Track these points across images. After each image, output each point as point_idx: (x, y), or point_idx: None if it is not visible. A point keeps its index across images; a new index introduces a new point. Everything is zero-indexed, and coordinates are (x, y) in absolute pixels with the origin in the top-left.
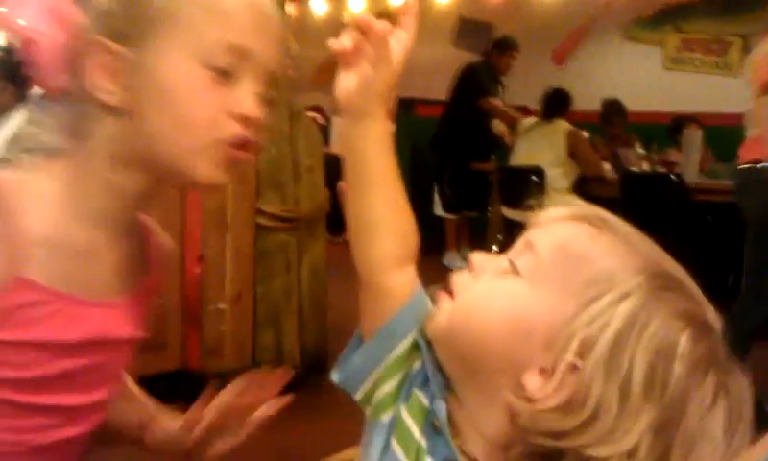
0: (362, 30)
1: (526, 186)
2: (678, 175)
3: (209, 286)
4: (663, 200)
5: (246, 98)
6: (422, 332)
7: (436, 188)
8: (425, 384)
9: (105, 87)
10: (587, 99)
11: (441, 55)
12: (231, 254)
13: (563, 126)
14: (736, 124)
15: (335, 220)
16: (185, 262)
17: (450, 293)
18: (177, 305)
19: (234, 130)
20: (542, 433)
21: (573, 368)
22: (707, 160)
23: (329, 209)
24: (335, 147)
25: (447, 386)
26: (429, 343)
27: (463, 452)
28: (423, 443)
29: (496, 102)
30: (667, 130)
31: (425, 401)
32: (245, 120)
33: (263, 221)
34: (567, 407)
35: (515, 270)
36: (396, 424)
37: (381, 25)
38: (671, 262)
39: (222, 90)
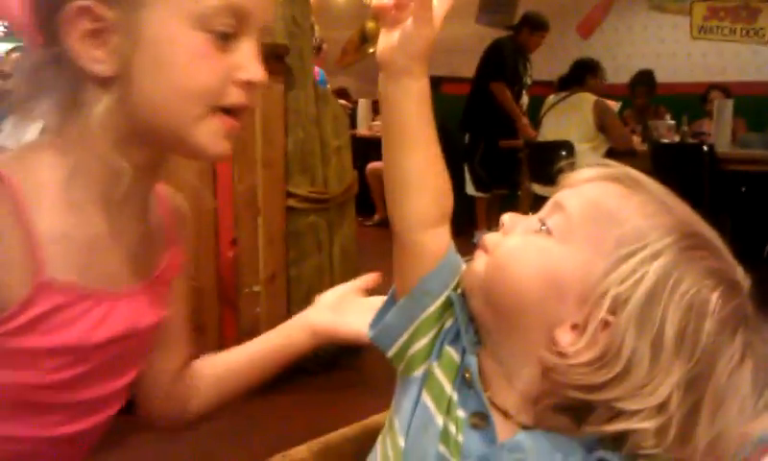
0: None
1: (555, 162)
2: (709, 145)
3: (243, 269)
4: (695, 171)
5: (249, 62)
6: (456, 288)
7: (467, 167)
8: (456, 340)
9: (91, 55)
10: (614, 71)
11: (466, 31)
12: (264, 236)
13: (588, 98)
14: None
15: (365, 203)
16: (219, 246)
17: (485, 250)
18: (212, 289)
19: (237, 97)
20: (574, 387)
21: (605, 324)
22: (739, 130)
23: (358, 191)
24: (361, 129)
25: (478, 342)
26: (463, 299)
27: (493, 405)
28: (455, 396)
29: (506, 93)
30: (699, 100)
31: (456, 357)
32: (248, 85)
33: (293, 203)
34: (599, 362)
35: (546, 229)
36: (427, 379)
37: None
38: (702, 222)
39: (221, 55)
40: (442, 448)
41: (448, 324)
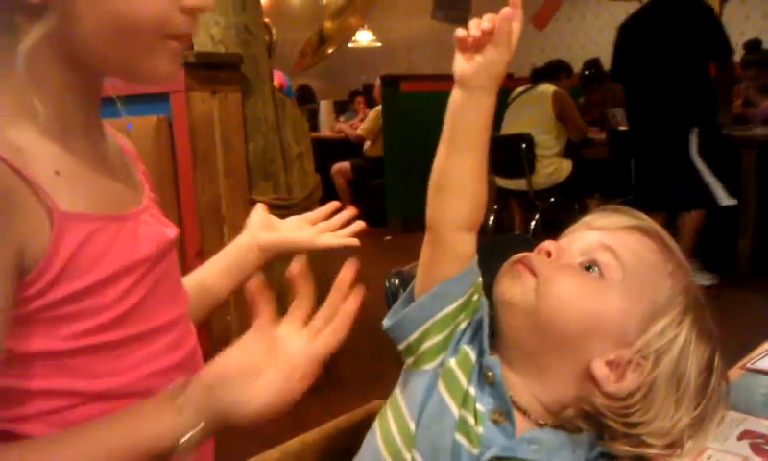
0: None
1: (516, 154)
2: None
3: None
4: None
5: None
6: (474, 294)
7: None
8: (472, 340)
9: None
10: (570, 62)
11: (422, 28)
12: None
13: (548, 88)
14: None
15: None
16: (186, 259)
17: (531, 272)
18: None
19: (184, 24)
20: (610, 416)
21: (637, 366)
22: None
23: (321, 194)
24: (324, 130)
25: (493, 345)
26: (489, 306)
27: (513, 403)
28: (472, 391)
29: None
30: None
31: (472, 356)
32: (192, 11)
33: None
34: (630, 399)
35: (599, 272)
36: (442, 372)
37: (509, 11)
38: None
39: None
40: (458, 437)
41: (463, 325)
